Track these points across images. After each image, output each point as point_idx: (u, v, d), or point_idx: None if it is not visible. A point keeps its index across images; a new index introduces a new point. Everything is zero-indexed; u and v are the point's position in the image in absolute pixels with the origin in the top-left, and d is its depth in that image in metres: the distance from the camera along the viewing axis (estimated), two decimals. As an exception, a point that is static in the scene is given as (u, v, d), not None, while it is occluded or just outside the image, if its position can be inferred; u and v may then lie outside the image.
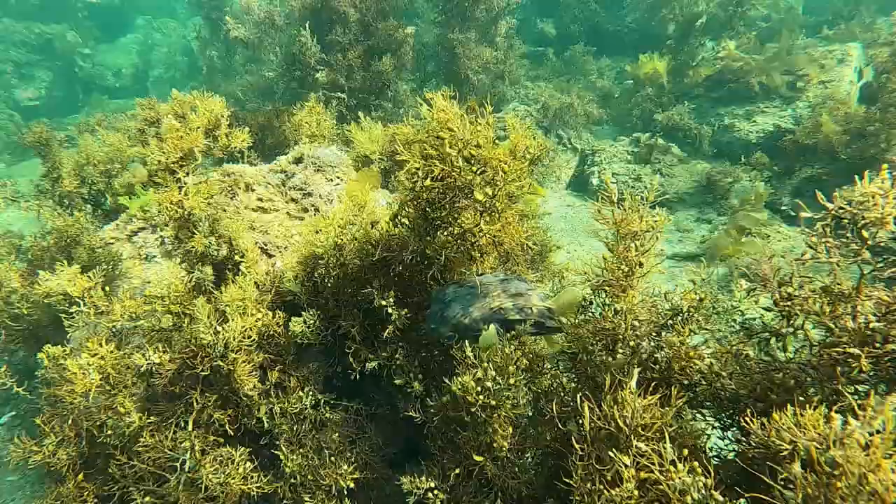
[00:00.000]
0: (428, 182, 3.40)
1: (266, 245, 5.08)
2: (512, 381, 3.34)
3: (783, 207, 10.64)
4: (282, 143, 7.90)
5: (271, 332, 3.98)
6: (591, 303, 3.89)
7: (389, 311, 3.91)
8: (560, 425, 3.49)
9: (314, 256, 4.27)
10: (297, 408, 3.96)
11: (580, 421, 3.04)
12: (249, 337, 3.78)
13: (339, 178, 6.17)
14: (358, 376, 4.19)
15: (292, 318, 4.05)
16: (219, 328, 3.64)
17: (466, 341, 3.83)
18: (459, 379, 3.36)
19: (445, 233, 3.76)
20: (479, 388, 3.31)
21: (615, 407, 2.89)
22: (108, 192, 6.74)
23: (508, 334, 3.67)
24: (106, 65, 25.98)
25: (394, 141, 7.13)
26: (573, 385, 3.55)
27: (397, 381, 4.05)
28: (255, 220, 5.35)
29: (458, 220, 3.69)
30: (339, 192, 5.81)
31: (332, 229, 4.08)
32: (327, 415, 4.10)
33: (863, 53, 14.26)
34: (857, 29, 14.92)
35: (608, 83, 18.37)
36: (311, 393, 4.12)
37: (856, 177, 2.78)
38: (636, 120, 15.52)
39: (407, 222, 3.79)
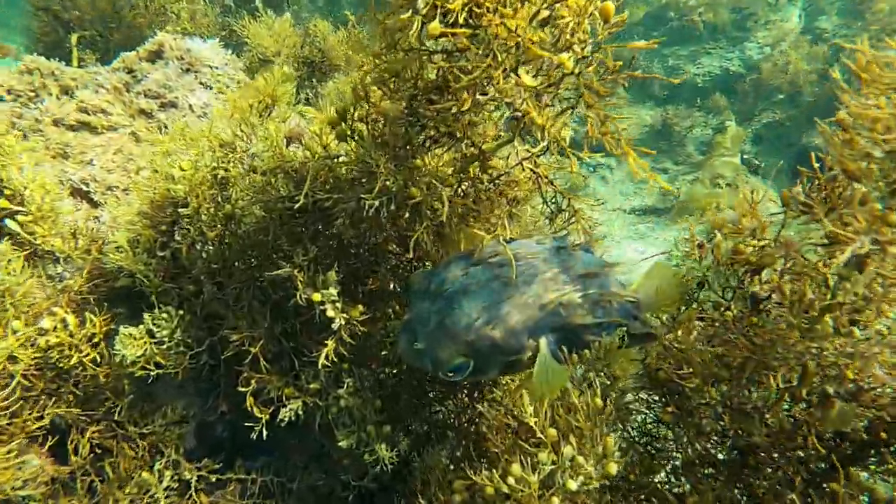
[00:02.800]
0: (436, 28, 1.45)
1: (87, 184, 2.88)
2: (612, 468, 1.55)
3: (745, 156, 9.56)
4: (135, 43, 5.41)
5: (75, 360, 1.90)
6: (703, 286, 2.16)
7: (329, 311, 1.96)
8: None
9: (171, 202, 2.18)
10: (138, 509, 1.95)
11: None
12: (7, 377, 1.69)
13: (221, 84, 3.96)
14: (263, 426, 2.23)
15: (122, 330, 1.98)
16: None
17: (493, 377, 1.99)
18: (499, 477, 1.51)
19: (449, 154, 1.83)
20: (546, 493, 1.49)
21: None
22: None
23: (579, 358, 1.85)
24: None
25: (308, 41, 4.96)
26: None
27: (342, 442, 2.13)
28: (72, 144, 3.10)
29: (478, 130, 1.78)
30: (225, 103, 3.62)
31: (206, 146, 2.02)
32: (205, 509, 2.12)
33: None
34: (798, -30, 14.10)
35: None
36: (169, 468, 2.10)
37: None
38: (571, 59, 13.95)
39: (368, 132, 1.81)
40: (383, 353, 2.44)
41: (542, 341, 1.84)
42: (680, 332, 2.00)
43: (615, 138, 1.54)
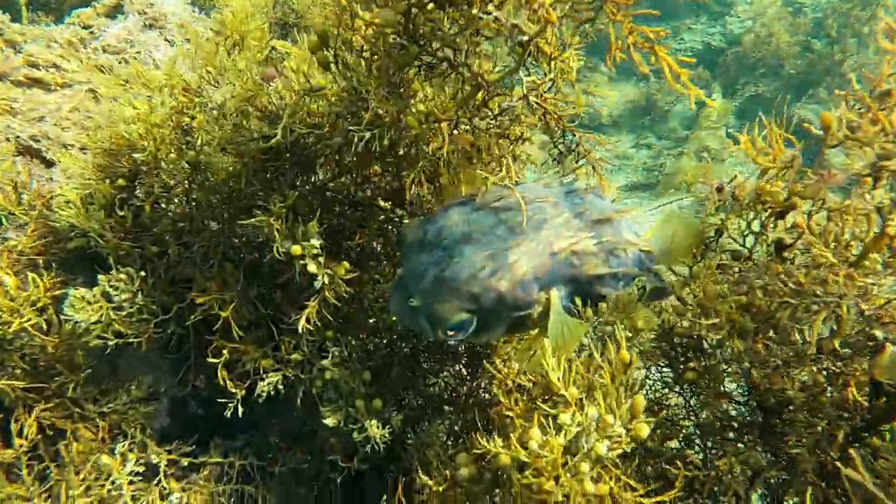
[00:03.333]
0: None
1: (38, 141, 2.59)
2: (643, 430, 1.35)
3: (729, 130, 9.47)
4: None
5: (16, 327, 1.65)
6: (720, 234, 1.98)
7: (311, 267, 1.73)
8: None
9: (127, 148, 1.91)
10: (96, 495, 1.71)
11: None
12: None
13: (188, 42, 3.66)
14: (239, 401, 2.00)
15: (72, 292, 1.73)
16: None
17: (498, 336, 1.78)
18: (516, 442, 1.31)
19: (449, 83, 1.61)
20: (570, 460, 1.29)
21: None
22: None
23: (594, 311, 1.66)
24: None
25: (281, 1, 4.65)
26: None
27: (328, 419, 1.91)
28: (20, 99, 2.80)
29: (480, 55, 1.56)
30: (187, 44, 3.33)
31: (163, 81, 1.77)
32: (175, 495, 1.89)
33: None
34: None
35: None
36: (133, 451, 1.87)
37: None
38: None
39: (355, 56, 1.57)
40: (372, 320, 2.22)
41: (554, 294, 1.64)
42: (699, 283, 1.81)
43: (647, 47, 1.32)
